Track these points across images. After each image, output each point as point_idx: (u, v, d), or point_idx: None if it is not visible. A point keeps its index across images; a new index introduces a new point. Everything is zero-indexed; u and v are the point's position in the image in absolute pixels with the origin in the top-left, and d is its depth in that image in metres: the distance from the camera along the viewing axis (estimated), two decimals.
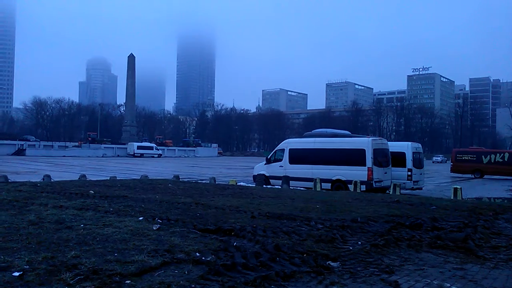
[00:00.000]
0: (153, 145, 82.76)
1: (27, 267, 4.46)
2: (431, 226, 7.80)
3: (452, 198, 15.23)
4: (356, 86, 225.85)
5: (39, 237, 5.89)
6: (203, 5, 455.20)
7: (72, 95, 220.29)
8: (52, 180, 16.51)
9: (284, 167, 19.76)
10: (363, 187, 16.92)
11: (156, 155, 76.55)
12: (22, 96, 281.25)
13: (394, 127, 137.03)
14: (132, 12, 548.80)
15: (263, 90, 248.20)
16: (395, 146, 20.33)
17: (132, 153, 74.69)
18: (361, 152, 17.64)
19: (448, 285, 4.56)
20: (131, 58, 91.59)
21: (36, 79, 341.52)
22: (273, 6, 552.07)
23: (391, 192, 16.81)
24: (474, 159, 35.88)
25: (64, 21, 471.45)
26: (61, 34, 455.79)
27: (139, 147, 76.98)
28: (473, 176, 35.01)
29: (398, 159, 19.37)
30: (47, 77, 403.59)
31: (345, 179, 17.77)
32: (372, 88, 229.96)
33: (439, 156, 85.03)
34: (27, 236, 5.95)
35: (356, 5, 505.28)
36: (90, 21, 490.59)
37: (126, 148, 78.45)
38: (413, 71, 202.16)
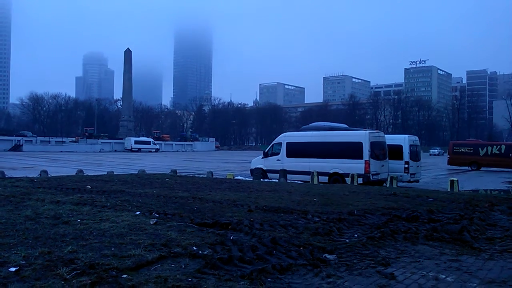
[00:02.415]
0: (151, 139, 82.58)
1: (24, 262, 4.46)
2: (427, 218, 7.84)
3: (448, 190, 15.30)
4: (353, 80, 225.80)
5: (35, 232, 5.89)
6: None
7: (69, 90, 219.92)
8: (49, 176, 16.49)
9: (281, 161, 19.78)
10: (360, 180, 16.96)
11: (154, 150, 76.41)
12: (18, 92, 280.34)
13: (391, 120, 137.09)
14: (128, 6, 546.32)
15: (260, 84, 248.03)
16: (392, 139, 20.36)
17: (130, 148, 74.54)
18: (358, 145, 17.66)
19: (444, 276, 4.59)
20: (128, 53, 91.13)
21: (32, 74, 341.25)
22: (269, 1, 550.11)
23: (388, 185, 16.87)
24: (471, 151, 35.97)
25: (60, 16, 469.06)
26: (57, 29, 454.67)
27: (136, 142, 76.80)
28: (470, 168, 35.11)
29: (395, 152, 19.41)
30: (44, 72, 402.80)
31: (342, 172, 17.79)
32: (369, 81, 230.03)
33: (436, 149, 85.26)
34: (24, 231, 5.95)
35: None
36: (86, 15, 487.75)
37: (124, 143, 78.27)
38: (410, 64, 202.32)
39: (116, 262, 4.51)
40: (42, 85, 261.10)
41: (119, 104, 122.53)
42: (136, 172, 19.76)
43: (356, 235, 6.42)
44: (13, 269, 4.22)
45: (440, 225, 7.11)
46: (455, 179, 16.10)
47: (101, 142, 77.89)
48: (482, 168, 34.96)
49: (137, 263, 4.53)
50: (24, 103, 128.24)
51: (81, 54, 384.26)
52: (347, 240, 6.04)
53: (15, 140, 69.00)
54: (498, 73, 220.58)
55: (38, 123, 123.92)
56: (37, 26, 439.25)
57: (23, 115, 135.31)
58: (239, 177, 19.49)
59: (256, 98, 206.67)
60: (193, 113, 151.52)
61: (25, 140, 69.85)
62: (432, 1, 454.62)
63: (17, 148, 64.83)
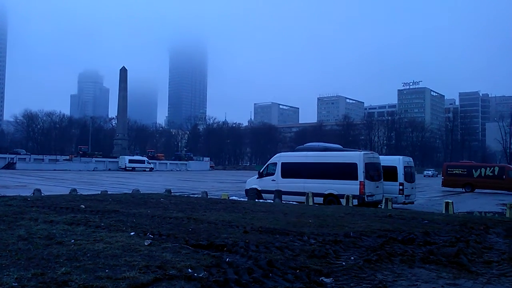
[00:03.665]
0: (145, 158, 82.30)
1: (16, 284, 4.38)
2: (423, 241, 7.81)
3: (443, 212, 15.30)
4: (347, 100, 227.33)
5: (28, 253, 5.81)
6: (195, 19, 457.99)
7: (64, 108, 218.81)
8: (42, 195, 16.33)
9: (276, 181, 19.74)
10: (355, 201, 16.93)
11: (148, 169, 76.10)
12: (13, 109, 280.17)
13: (385, 141, 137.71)
14: (124, 25, 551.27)
15: (255, 104, 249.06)
16: (386, 160, 20.42)
17: (124, 167, 74.22)
18: (353, 166, 17.69)
19: None
20: (123, 71, 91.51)
21: (27, 91, 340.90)
22: (264, 21, 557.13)
23: (383, 206, 16.85)
24: (465, 173, 36.09)
25: (55, 34, 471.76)
26: (53, 47, 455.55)
27: (130, 161, 76.53)
28: (464, 190, 35.18)
29: (390, 173, 19.44)
30: (38, 90, 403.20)
31: (337, 193, 17.77)
32: (363, 102, 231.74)
33: (430, 170, 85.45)
34: (17, 252, 5.86)
35: (347, 20, 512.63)
36: (82, 34, 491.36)
37: (118, 161, 77.98)
38: (403, 86, 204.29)
39: (111, 285, 4.44)
40: (37, 102, 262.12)
41: (114, 122, 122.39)
42: (130, 192, 19.62)
43: (352, 258, 6.37)
44: None
45: (436, 248, 7.08)
46: (449, 200, 16.12)
47: (95, 161, 77.57)
48: (476, 190, 35.00)
49: (132, 286, 4.46)
50: (18, 120, 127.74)
51: (76, 72, 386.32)
52: (344, 263, 6.00)
53: (8, 158, 68.57)
54: (490, 95, 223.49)
55: (32, 141, 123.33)
56: (33, 44, 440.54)
57: (16, 133, 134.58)
58: (234, 198, 19.40)
59: (250, 118, 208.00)
60: (188, 132, 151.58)
61: (18, 158, 69.47)
62: (425, 23, 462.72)
63: (10, 166, 64.36)
